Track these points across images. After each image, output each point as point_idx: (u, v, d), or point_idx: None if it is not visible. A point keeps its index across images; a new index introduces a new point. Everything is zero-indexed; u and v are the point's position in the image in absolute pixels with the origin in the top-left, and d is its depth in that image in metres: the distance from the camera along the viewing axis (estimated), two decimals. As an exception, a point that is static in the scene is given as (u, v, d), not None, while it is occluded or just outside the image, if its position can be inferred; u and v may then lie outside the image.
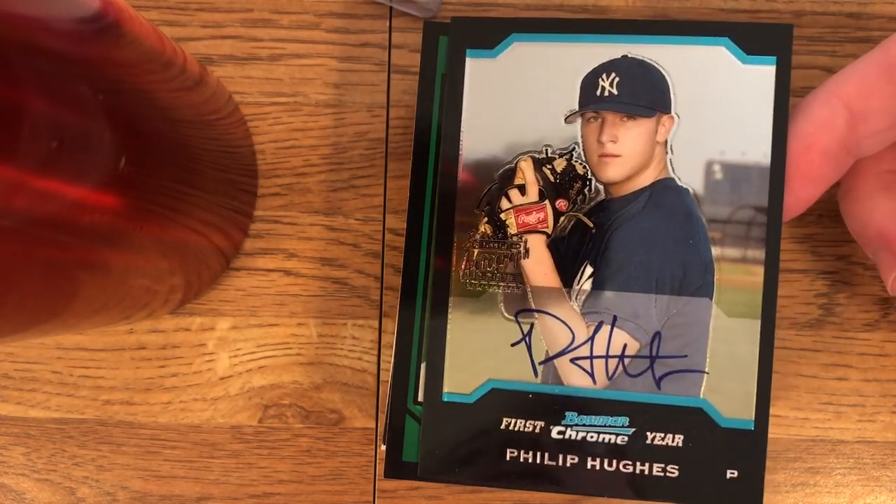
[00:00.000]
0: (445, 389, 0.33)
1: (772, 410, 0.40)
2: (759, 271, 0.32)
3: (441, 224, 0.33)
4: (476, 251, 0.33)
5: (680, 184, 0.32)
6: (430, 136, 0.35)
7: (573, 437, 0.32)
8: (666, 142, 0.32)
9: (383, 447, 0.34)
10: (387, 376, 0.40)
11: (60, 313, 0.28)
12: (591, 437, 0.32)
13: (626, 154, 0.32)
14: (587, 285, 0.32)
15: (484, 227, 0.33)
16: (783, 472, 0.40)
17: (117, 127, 0.26)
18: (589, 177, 0.32)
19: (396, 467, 0.34)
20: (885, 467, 0.40)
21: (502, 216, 0.33)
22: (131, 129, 0.28)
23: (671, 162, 0.32)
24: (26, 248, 0.23)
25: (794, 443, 0.40)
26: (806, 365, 0.40)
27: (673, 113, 0.32)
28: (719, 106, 0.32)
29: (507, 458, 0.32)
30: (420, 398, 0.34)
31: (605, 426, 0.32)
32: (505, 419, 0.33)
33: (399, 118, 0.41)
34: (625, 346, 0.32)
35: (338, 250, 0.41)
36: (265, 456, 0.41)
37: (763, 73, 0.32)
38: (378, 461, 0.40)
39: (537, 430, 0.32)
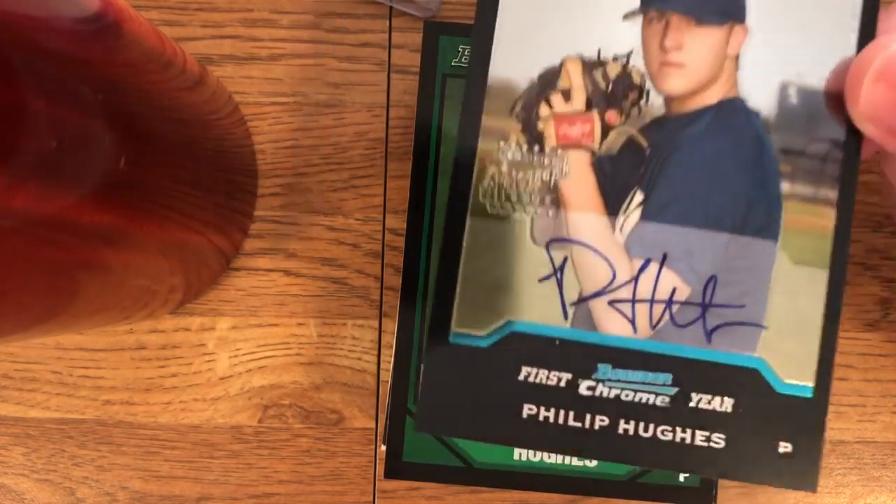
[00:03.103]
0: (454, 328, 0.28)
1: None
2: (831, 214, 0.27)
3: (464, 125, 0.28)
4: (504, 165, 0.28)
5: (749, 105, 0.28)
6: (431, 136, 0.35)
7: (605, 395, 0.27)
8: (737, 56, 0.28)
9: (383, 447, 0.34)
10: (387, 376, 0.40)
11: (60, 313, 0.28)
12: (627, 395, 0.27)
13: (691, 64, 0.28)
14: (635, 215, 0.27)
15: (516, 137, 0.28)
16: (783, 472, 0.40)
17: (117, 127, 0.26)
18: (647, 87, 0.28)
19: (396, 467, 0.34)
20: (886, 467, 0.40)
21: (539, 125, 0.28)
22: (131, 129, 0.27)
23: (741, 80, 0.28)
24: (26, 248, 0.23)
25: (795, 443, 0.40)
26: (806, 365, 0.40)
27: (747, 23, 0.28)
28: (800, 20, 0.28)
29: (524, 415, 0.27)
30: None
31: (644, 383, 0.27)
32: (524, 368, 0.27)
33: (399, 118, 0.40)
34: (674, 290, 0.27)
35: (338, 250, 0.41)
36: (265, 456, 0.41)
37: None
38: (378, 461, 0.40)
39: (563, 384, 0.27)
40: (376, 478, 0.41)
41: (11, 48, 0.21)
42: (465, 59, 0.36)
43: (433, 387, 0.28)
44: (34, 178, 0.22)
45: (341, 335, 0.40)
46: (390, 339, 0.39)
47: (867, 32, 0.28)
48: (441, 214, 0.35)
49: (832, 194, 0.27)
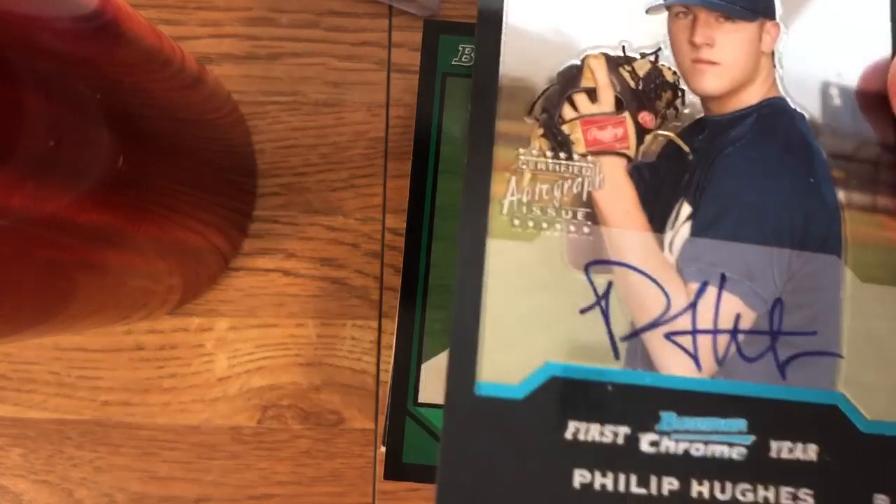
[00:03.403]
0: (481, 378, 0.22)
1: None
2: (894, 225, 0.24)
3: (475, 134, 0.24)
4: (527, 174, 0.23)
5: (793, 106, 0.25)
6: (431, 136, 0.35)
7: (671, 450, 0.22)
8: (773, 53, 0.25)
9: (383, 448, 0.34)
10: (386, 377, 0.40)
11: (58, 313, 0.28)
12: (697, 449, 0.22)
13: (725, 62, 0.25)
14: (685, 230, 0.24)
15: (539, 142, 0.24)
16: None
17: (115, 126, 0.26)
18: (681, 86, 0.25)
19: (396, 469, 0.34)
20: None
21: (565, 128, 0.24)
22: (129, 128, 0.27)
23: (781, 78, 0.25)
24: (24, 248, 0.23)
25: (796, 444, 0.40)
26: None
27: (778, 19, 0.25)
28: (830, 18, 0.25)
29: (576, 485, 0.22)
30: (422, 398, 0.33)
31: (715, 432, 0.23)
32: (572, 423, 0.22)
33: (399, 117, 0.40)
34: (738, 315, 0.23)
35: (337, 250, 0.40)
36: (264, 457, 0.40)
37: None
38: (378, 462, 0.40)
39: (620, 441, 0.22)
40: (376, 479, 0.40)
41: (9, 47, 0.21)
42: (466, 58, 0.35)
43: (457, 454, 0.22)
44: (32, 177, 0.22)
45: (341, 335, 0.40)
46: (390, 339, 0.39)
47: None
48: (442, 214, 0.34)
49: (892, 203, 0.24)
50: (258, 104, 0.40)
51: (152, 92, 0.30)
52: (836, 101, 0.25)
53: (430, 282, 0.33)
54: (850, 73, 0.25)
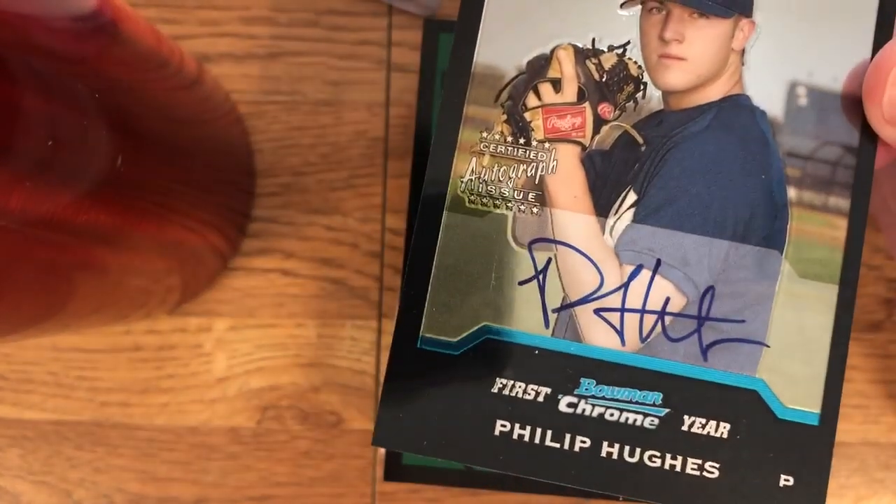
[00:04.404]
0: (423, 332, 0.25)
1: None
2: (843, 224, 0.25)
3: (444, 115, 0.26)
4: (486, 156, 0.25)
5: (755, 103, 0.26)
6: (430, 135, 0.35)
7: (587, 413, 0.24)
8: (743, 51, 0.26)
9: (382, 449, 0.34)
10: (386, 377, 0.40)
11: (56, 313, 0.28)
12: (612, 414, 0.24)
13: (693, 58, 0.26)
14: (627, 217, 0.25)
15: (501, 127, 0.25)
16: (786, 473, 0.40)
17: (113, 126, 0.26)
18: (644, 80, 0.26)
19: (396, 470, 0.34)
20: (890, 469, 0.39)
21: (527, 115, 0.26)
22: (128, 127, 0.27)
23: (746, 76, 0.26)
24: (22, 248, 0.23)
25: (797, 444, 0.40)
26: (809, 366, 0.40)
27: (754, 17, 0.26)
28: (811, 16, 0.26)
29: (497, 433, 0.24)
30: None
31: (631, 402, 0.25)
32: (499, 380, 0.25)
33: (398, 117, 0.40)
34: (667, 299, 0.25)
35: (336, 250, 0.40)
36: (263, 458, 0.40)
37: None
38: (377, 463, 0.40)
39: (541, 399, 0.25)
40: (375, 480, 0.40)
41: (7, 46, 0.21)
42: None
43: (395, 397, 0.25)
44: (29, 178, 0.22)
45: (340, 336, 0.40)
46: (389, 339, 0.39)
47: (884, 31, 0.26)
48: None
49: (844, 203, 0.25)
50: (257, 104, 0.40)
51: (151, 91, 0.30)
52: (803, 100, 0.26)
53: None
54: (823, 73, 0.26)
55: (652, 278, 0.25)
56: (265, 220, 0.41)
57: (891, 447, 0.39)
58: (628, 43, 0.26)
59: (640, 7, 0.26)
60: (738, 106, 0.26)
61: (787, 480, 0.24)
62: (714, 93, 0.26)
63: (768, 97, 0.26)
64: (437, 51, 0.35)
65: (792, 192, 0.25)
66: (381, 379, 0.40)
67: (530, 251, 0.25)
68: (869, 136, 0.25)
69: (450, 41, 0.35)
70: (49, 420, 0.41)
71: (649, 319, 0.25)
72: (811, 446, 0.24)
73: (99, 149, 0.25)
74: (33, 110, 0.22)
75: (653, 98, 0.26)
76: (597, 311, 0.25)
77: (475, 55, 0.26)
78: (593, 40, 0.26)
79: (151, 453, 0.41)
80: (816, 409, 0.25)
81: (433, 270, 0.25)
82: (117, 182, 0.26)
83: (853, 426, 0.39)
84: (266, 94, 0.40)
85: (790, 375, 0.25)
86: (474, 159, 0.25)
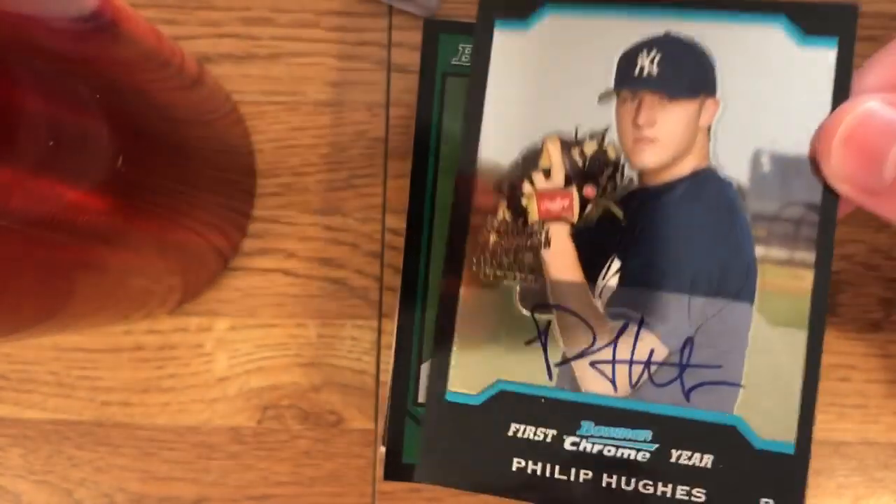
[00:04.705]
0: (450, 388, 0.30)
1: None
2: (808, 276, 0.28)
3: (457, 206, 0.30)
4: (492, 238, 0.30)
5: (722, 175, 0.29)
6: (430, 135, 0.35)
7: (588, 450, 0.29)
8: (709, 128, 0.29)
9: (382, 449, 0.34)
10: (386, 377, 0.40)
11: (57, 313, 0.28)
12: (609, 450, 0.29)
13: (663, 139, 0.29)
14: (613, 281, 0.29)
15: (503, 213, 0.30)
16: (785, 473, 0.40)
17: (114, 126, 0.26)
18: (621, 162, 0.30)
19: (396, 469, 0.34)
20: (889, 469, 0.40)
21: (524, 200, 0.30)
22: (128, 128, 0.27)
23: (714, 150, 0.29)
24: (23, 248, 0.23)
25: (796, 444, 0.40)
26: (808, 366, 0.40)
27: (718, 96, 0.29)
28: (770, 91, 0.29)
29: (514, 469, 0.29)
30: (421, 398, 0.34)
31: (624, 440, 0.29)
32: (513, 425, 0.30)
33: (399, 117, 0.40)
34: (652, 351, 0.29)
35: (337, 250, 0.40)
36: (264, 457, 0.40)
37: (821, 58, 0.29)
38: (377, 463, 0.40)
39: (549, 439, 0.29)
40: (376, 479, 0.40)
41: (8, 47, 0.21)
42: (466, 58, 0.35)
43: (432, 442, 0.30)
44: (31, 178, 0.22)
45: (340, 336, 0.40)
46: (390, 339, 0.39)
47: (841, 96, 0.28)
48: (442, 214, 0.35)
49: (809, 256, 0.28)
50: (257, 104, 0.40)
51: (152, 92, 0.30)
52: (766, 167, 0.29)
53: (430, 282, 0.33)
54: (785, 140, 0.28)
55: (637, 333, 0.29)
56: (266, 220, 0.41)
57: (890, 447, 0.39)
58: (607, 130, 0.29)
59: (615, 99, 0.29)
60: (706, 178, 0.29)
61: (768, 503, 0.28)
62: (684, 168, 0.29)
63: (734, 167, 0.29)
64: (437, 51, 0.35)
65: (760, 251, 0.28)
66: (381, 379, 0.40)
67: (533, 315, 0.30)
68: (829, 192, 0.28)
69: (450, 41, 0.35)
70: (50, 420, 0.41)
71: (637, 368, 0.29)
72: (788, 473, 0.28)
73: (100, 149, 0.25)
74: (34, 110, 0.22)
75: (630, 177, 0.29)
76: (592, 364, 0.29)
77: (479, 153, 0.30)
78: (576, 130, 0.30)
79: (152, 453, 0.41)
80: (792, 440, 0.28)
81: (454, 337, 0.30)
82: (118, 182, 0.27)
83: (852, 426, 0.39)
84: (266, 94, 0.41)
85: (766, 411, 0.28)
86: (483, 240, 0.30)
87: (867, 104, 0.26)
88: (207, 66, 0.40)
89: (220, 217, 0.37)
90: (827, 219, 0.28)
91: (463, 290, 0.30)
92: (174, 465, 0.41)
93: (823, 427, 0.40)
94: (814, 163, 0.28)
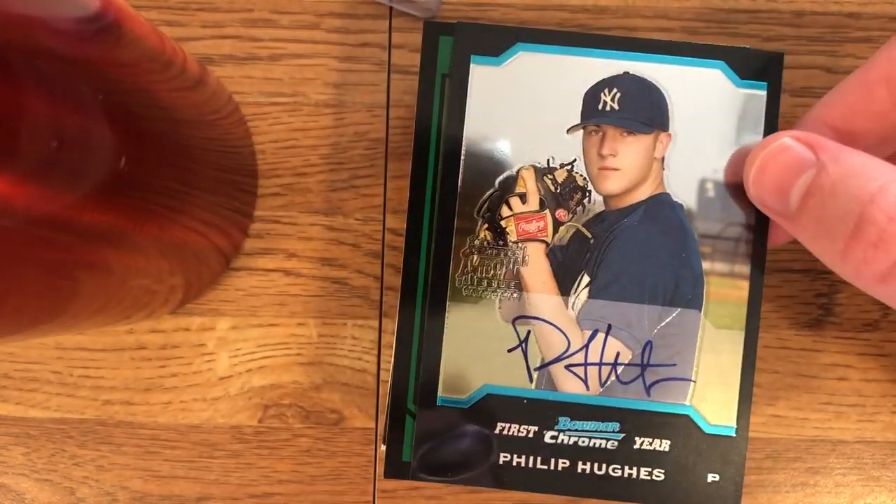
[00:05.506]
0: (441, 393, 0.33)
1: (772, 411, 0.40)
2: (745, 286, 0.33)
3: (441, 229, 0.34)
4: (475, 257, 0.33)
5: (674, 199, 0.33)
6: (431, 136, 0.35)
7: (565, 442, 0.33)
8: (663, 158, 0.33)
9: (383, 447, 0.34)
10: (387, 376, 0.40)
11: (60, 313, 0.28)
12: (583, 441, 0.33)
13: (624, 168, 0.33)
14: (584, 294, 0.33)
15: (484, 234, 0.33)
16: (783, 472, 0.40)
17: (117, 127, 0.26)
18: (589, 188, 0.33)
19: (396, 467, 0.34)
20: (886, 467, 0.40)
21: (503, 223, 0.33)
22: (131, 129, 0.27)
23: (667, 178, 0.33)
24: (26, 249, 0.23)
25: (795, 443, 0.40)
26: (806, 365, 0.40)
27: (670, 130, 0.33)
28: (714, 126, 0.33)
29: (501, 462, 0.33)
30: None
31: (596, 431, 0.33)
32: (499, 424, 0.33)
33: (399, 118, 0.41)
34: (618, 353, 0.33)
35: (338, 250, 0.41)
36: (265, 456, 0.41)
37: (755, 97, 0.33)
38: (378, 461, 0.40)
39: (531, 435, 0.33)
40: (376, 478, 0.41)
41: (11, 48, 0.21)
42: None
43: (426, 441, 0.33)
44: (34, 179, 0.22)
45: (341, 335, 0.40)
46: (390, 338, 0.39)
47: (769, 131, 0.33)
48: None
49: (745, 269, 0.33)
50: (259, 105, 0.41)
51: (154, 93, 0.30)
52: (711, 193, 0.33)
53: (430, 281, 0.34)
54: (723, 170, 0.33)
55: (605, 339, 0.33)
56: (267, 221, 0.41)
57: (887, 445, 0.40)
58: (575, 160, 0.33)
59: (581, 131, 0.33)
60: (661, 202, 0.33)
61: (714, 477, 0.33)
62: (642, 193, 0.33)
63: (684, 193, 0.33)
64: (438, 53, 0.35)
65: (706, 265, 0.33)
66: (382, 378, 0.40)
67: (514, 326, 0.33)
68: (760, 215, 0.32)
69: (450, 43, 0.35)
70: (53, 418, 0.41)
71: (605, 369, 0.33)
72: (730, 451, 0.33)
73: (102, 150, 0.25)
74: (38, 112, 0.22)
75: (596, 201, 0.33)
76: (567, 367, 0.33)
77: (459, 182, 0.34)
78: (548, 160, 0.33)
79: (154, 451, 0.41)
80: (733, 424, 0.33)
81: (443, 348, 0.33)
82: (121, 183, 0.27)
83: (849, 424, 0.40)
84: (268, 95, 0.41)
85: (712, 401, 0.33)
86: (466, 259, 0.33)
87: (782, 139, 0.30)
88: (209, 67, 0.40)
89: (222, 217, 0.37)
90: (759, 237, 0.33)
91: (449, 305, 0.33)
92: (176, 464, 0.41)
93: (821, 426, 0.40)
94: (730, 188, 0.33)
